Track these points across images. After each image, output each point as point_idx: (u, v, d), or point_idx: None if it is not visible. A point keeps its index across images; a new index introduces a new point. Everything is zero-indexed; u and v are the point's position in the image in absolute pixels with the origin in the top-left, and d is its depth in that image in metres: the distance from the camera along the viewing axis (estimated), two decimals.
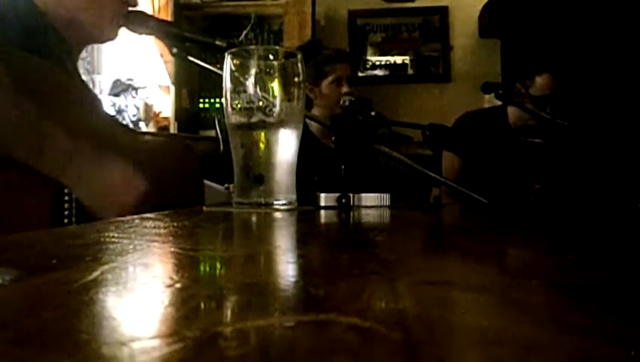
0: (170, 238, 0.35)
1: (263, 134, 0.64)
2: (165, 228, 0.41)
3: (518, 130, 1.94)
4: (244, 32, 2.71)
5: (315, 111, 1.79)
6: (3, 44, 0.75)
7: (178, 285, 0.19)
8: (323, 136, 1.78)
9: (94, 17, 0.92)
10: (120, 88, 2.35)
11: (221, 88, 0.65)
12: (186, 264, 0.25)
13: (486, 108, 2.08)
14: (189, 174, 0.98)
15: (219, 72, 0.74)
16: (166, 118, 2.59)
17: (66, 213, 0.73)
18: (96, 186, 0.71)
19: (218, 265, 0.26)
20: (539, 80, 1.90)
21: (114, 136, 0.87)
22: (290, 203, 0.64)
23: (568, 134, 1.70)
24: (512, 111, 1.97)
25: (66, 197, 0.73)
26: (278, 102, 0.64)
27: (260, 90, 0.63)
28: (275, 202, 0.64)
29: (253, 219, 0.56)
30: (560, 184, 1.90)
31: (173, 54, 0.97)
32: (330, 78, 1.79)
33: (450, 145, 1.94)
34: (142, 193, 0.73)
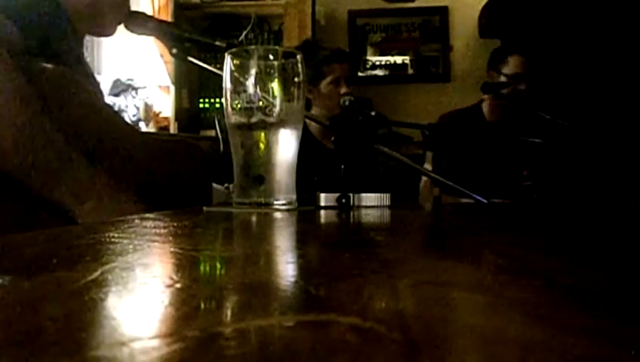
0: (170, 238, 0.35)
1: (263, 134, 0.64)
2: (165, 228, 0.41)
3: (495, 125, 1.97)
4: (244, 32, 2.71)
5: (314, 112, 1.78)
6: (22, 51, 0.75)
7: (178, 285, 0.19)
8: (322, 136, 1.78)
9: (113, 12, 0.93)
10: (120, 88, 2.35)
11: (221, 88, 0.65)
12: (186, 264, 0.25)
13: (463, 107, 2.10)
14: (196, 174, 0.98)
15: (219, 72, 0.74)
16: (166, 118, 2.59)
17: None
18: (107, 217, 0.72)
19: (218, 265, 0.26)
20: (511, 60, 1.96)
21: (124, 141, 0.87)
22: (290, 203, 0.64)
23: (568, 134, 1.70)
24: (485, 106, 2.01)
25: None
26: (278, 102, 0.64)
27: (260, 90, 0.63)
28: (275, 202, 0.64)
29: (253, 219, 0.56)
30: (557, 183, 1.91)
31: (173, 54, 0.97)
32: (328, 79, 1.79)
33: (431, 146, 1.96)
34: None
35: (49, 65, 0.78)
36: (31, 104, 0.68)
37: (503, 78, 1.96)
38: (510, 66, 1.96)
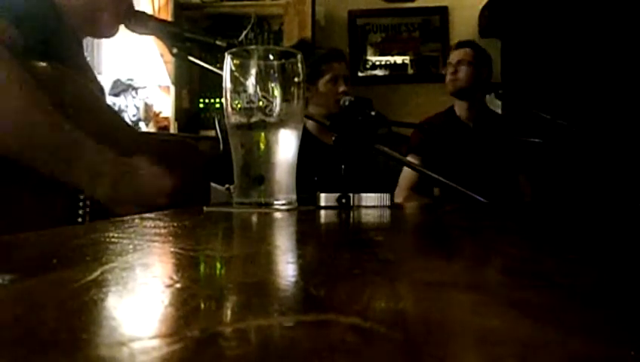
0: (170, 238, 0.35)
1: (263, 134, 0.64)
2: (165, 228, 0.41)
3: (475, 125, 1.98)
4: (244, 32, 2.71)
5: (312, 110, 1.78)
6: (23, 50, 0.76)
7: (178, 285, 0.19)
8: (320, 133, 1.78)
9: (110, 13, 0.94)
10: (120, 88, 2.35)
11: (221, 88, 0.65)
12: (186, 264, 0.25)
13: (438, 112, 2.12)
14: (194, 174, 0.98)
15: (219, 72, 0.74)
16: (166, 118, 2.59)
17: (80, 211, 0.74)
18: (129, 194, 0.73)
19: (218, 265, 0.25)
20: (454, 51, 2.05)
21: (124, 141, 0.88)
22: (290, 203, 0.64)
23: (569, 134, 1.70)
24: (457, 108, 2.03)
25: (80, 196, 0.74)
26: (278, 102, 0.64)
27: (260, 90, 0.63)
28: (275, 202, 0.64)
29: (253, 219, 0.56)
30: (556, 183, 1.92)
31: (173, 54, 0.97)
32: (326, 77, 1.79)
33: (412, 150, 1.99)
34: (171, 190, 0.76)
35: (50, 66, 0.78)
36: (33, 92, 0.69)
37: (449, 69, 2.01)
38: (451, 56, 2.05)
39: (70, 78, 0.81)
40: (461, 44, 2.09)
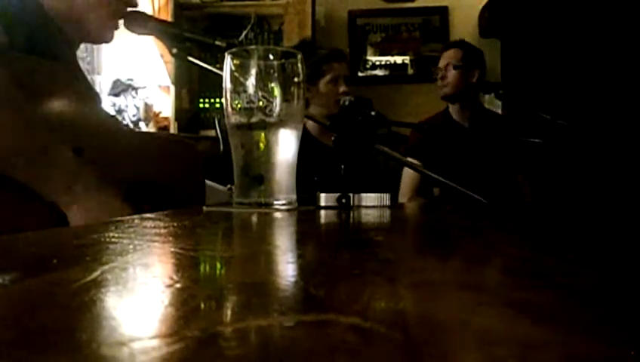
0: (170, 238, 0.35)
1: (262, 134, 0.64)
2: (165, 228, 0.41)
3: (471, 126, 1.99)
4: (244, 32, 2.71)
5: (313, 111, 1.78)
6: (8, 48, 0.75)
7: (178, 285, 0.19)
8: (320, 134, 1.78)
9: (96, 16, 0.93)
10: (120, 88, 2.35)
11: (221, 88, 0.65)
12: (186, 264, 0.25)
13: (433, 115, 2.12)
14: (191, 173, 0.98)
15: (219, 72, 0.74)
16: (166, 118, 2.59)
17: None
18: (93, 213, 0.71)
19: (218, 265, 0.25)
20: (443, 53, 2.07)
21: (118, 138, 0.87)
22: (290, 203, 0.64)
23: (569, 134, 1.70)
24: (453, 111, 2.03)
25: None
26: (278, 102, 0.64)
27: (260, 90, 0.63)
28: (275, 202, 0.64)
29: (253, 219, 0.56)
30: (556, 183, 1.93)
31: (173, 54, 0.97)
32: (327, 77, 1.78)
33: (410, 152, 1.98)
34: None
35: (39, 63, 0.77)
36: (10, 97, 0.68)
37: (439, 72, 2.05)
38: (441, 59, 2.07)
39: (61, 77, 0.81)
40: (449, 45, 2.10)
